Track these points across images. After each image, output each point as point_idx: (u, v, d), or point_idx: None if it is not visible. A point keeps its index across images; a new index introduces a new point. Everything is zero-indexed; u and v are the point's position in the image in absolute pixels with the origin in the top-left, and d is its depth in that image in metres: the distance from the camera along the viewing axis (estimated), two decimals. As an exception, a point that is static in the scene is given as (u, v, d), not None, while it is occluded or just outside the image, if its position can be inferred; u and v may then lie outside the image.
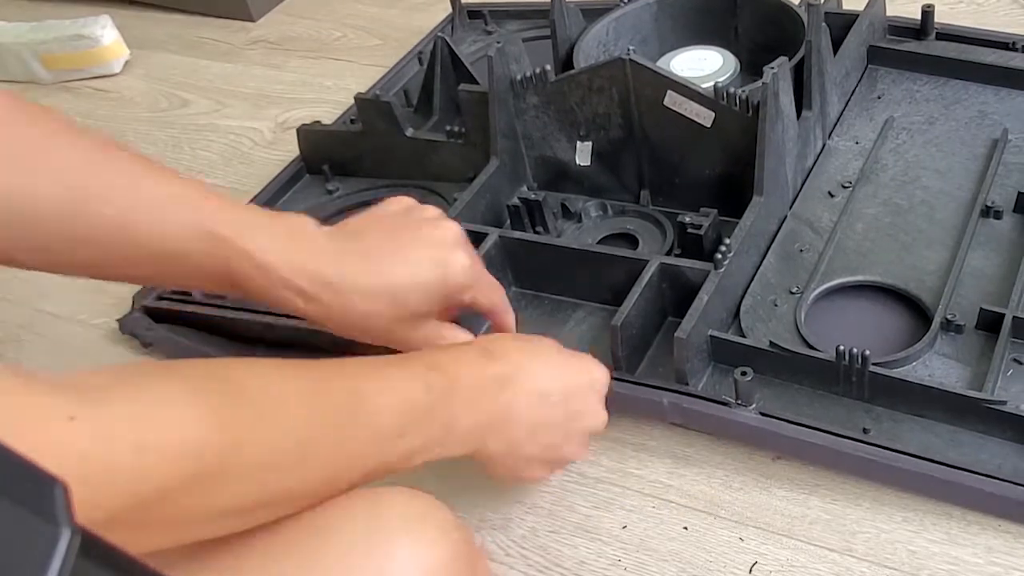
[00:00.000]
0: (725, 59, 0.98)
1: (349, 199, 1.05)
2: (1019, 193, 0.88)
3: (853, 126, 0.99)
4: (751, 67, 1.00)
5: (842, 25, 1.03)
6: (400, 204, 0.71)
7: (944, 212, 0.89)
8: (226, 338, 0.93)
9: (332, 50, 1.36)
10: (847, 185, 0.93)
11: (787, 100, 0.87)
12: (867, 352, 0.75)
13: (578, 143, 0.95)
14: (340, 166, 1.07)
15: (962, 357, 0.79)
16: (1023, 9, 1.21)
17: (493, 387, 0.64)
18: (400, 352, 0.66)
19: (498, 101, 0.93)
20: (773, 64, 0.84)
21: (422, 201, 0.73)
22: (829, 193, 0.93)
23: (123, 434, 0.43)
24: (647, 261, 0.83)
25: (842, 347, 0.76)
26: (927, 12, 1.05)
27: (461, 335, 0.71)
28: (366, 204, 1.03)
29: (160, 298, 0.96)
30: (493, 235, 0.88)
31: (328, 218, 1.03)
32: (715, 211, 0.87)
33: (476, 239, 0.88)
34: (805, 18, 0.91)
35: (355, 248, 0.66)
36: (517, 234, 0.89)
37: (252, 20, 1.44)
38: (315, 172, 1.09)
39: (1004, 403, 0.74)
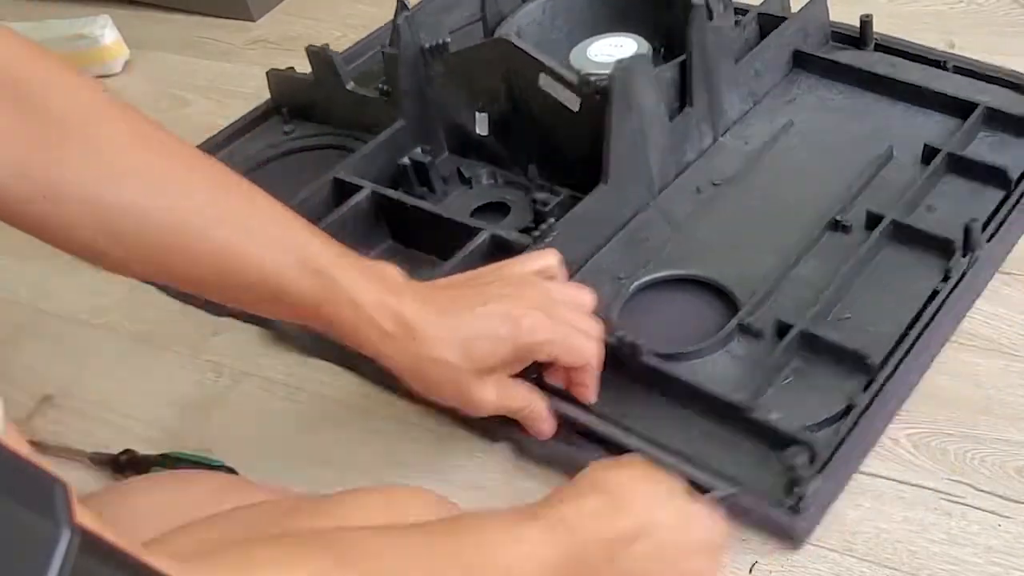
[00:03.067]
0: (639, 47, 1.00)
1: (298, 141, 1.14)
2: (867, 211, 0.89)
3: (751, 126, 1.01)
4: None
5: (773, 27, 1.04)
6: (506, 262, 0.75)
7: (798, 220, 0.91)
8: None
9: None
10: (718, 183, 0.96)
11: (648, 94, 0.90)
12: (639, 342, 0.79)
13: (477, 114, 1.00)
14: (300, 110, 1.16)
15: (750, 361, 0.81)
16: (1023, 9, 1.18)
17: (620, 544, 0.60)
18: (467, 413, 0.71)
19: (405, 66, 1.00)
20: (624, 58, 0.88)
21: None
22: (697, 189, 0.95)
23: None
24: (481, 230, 0.89)
25: (620, 334, 0.80)
26: (865, 22, 1.05)
27: (526, 394, 0.74)
28: (314, 148, 1.14)
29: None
30: (367, 189, 0.95)
31: (279, 156, 1.13)
32: (566, 191, 0.92)
33: (352, 190, 0.96)
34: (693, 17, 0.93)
35: (436, 299, 0.70)
36: (386, 191, 0.95)
37: (252, 20, 1.44)
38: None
39: (752, 409, 0.76)
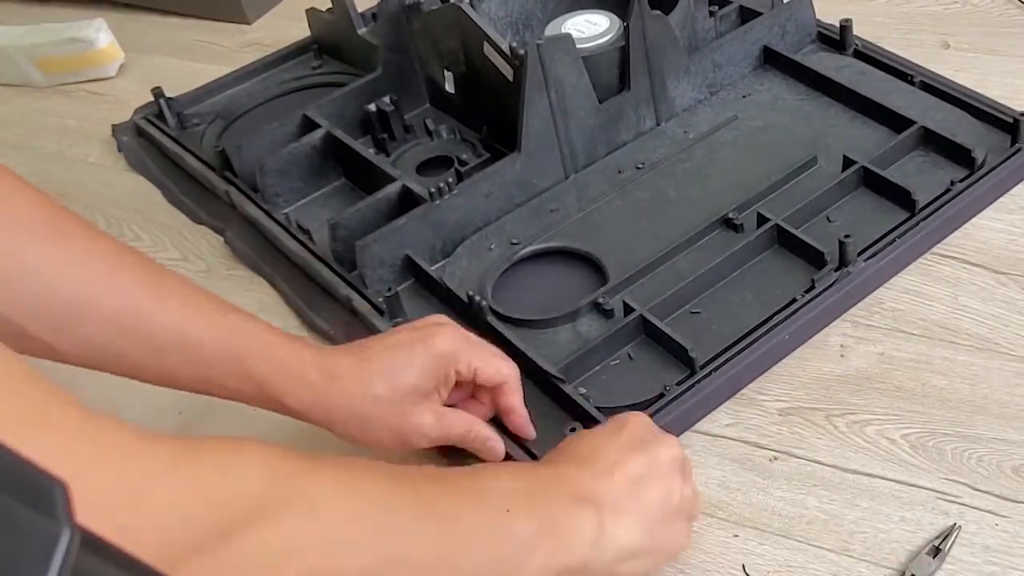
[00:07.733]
0: (611, 23, 1.03)
1: (320, 77, 1.23)
2: (758, 214, 0.90)
3: (697, 116, 1.03)
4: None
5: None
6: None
7: (698, 213, 0.93)
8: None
9: (328, 53, 1.29)
10: (640, 167, 0.98)
11: (569, 72, 0.94)
12: (483, 302, 0.85)
13: (445, 71, 1.06)
14: (330, 49, 1.25)
15: (591, 338, 0.85)
16: (1020, 10, 1.14)
17: (582, 541, 0.64)
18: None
19: (386, 19, 1.07)
20: (543, 36, 0.92)
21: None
22: (619, 170, 0.98)
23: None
24: (396, 179, 0.96)
25: (470, 292, 0.86)
26: (844, 27, 1.04)
27: (465, 417, 0.76)
28: (331, 84, 1.22)
29: (146, 119, 1.20)
30: (322, 129, 1.03)
31: (301, 88, 1.22)
32: (488, 155, 0.97)
33: (312, 128, 1.04)
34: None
35: (349, 349, 0.75)
36: (337, 132, 1.03)
37: (247, 23, 1.43)
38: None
39: (564, 382, 0.81)
